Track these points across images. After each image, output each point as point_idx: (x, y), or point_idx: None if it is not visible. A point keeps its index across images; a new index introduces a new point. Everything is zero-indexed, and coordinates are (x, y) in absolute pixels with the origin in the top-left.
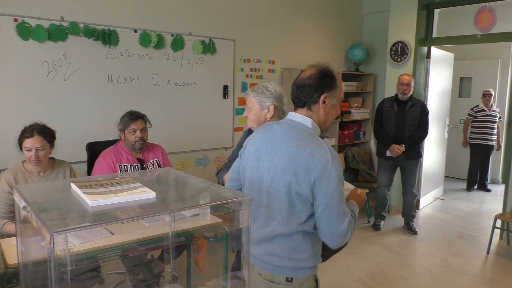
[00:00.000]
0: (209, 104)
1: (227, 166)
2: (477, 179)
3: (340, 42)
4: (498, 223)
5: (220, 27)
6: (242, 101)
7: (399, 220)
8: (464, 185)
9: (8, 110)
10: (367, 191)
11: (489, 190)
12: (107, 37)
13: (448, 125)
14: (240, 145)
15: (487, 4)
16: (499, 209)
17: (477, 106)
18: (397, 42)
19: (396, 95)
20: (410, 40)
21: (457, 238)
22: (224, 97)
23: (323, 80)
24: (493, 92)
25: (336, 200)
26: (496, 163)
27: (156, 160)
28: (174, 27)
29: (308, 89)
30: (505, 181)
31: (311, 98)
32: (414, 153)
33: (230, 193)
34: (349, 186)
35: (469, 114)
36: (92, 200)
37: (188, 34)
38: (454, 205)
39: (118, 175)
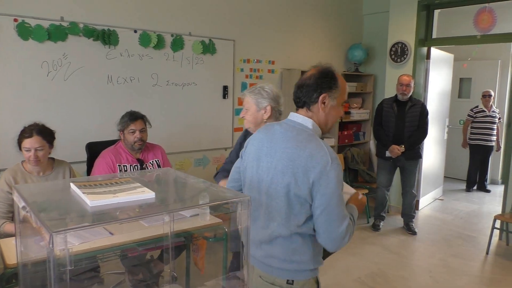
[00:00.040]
0: (208, 105)
1: (224, 169)
2: (476, 179)
3: (340, 42)
4: (498, 224)
5: (220, 27)
6: (242, 102)
7: (399, 220)
8: (463, 186)
9: (8, 110)
10: (367, 191)
11: (488, 191)
12: (107, 37)
13: (447, 126)
14: (237, 147)
15: (486, 5)
16: (499, 210)
17: (477, 106)
18: (397, 43)
19: (396, 95)
20: (410, 40)
21: (456, 239)
22: (224, 97)
23: (322, 80)
24: (492, 93)
25: (335, 202)
26: (496, 164)
27: (155, 160)
28: (174, 27)
29: (307, 89)
30: (505, 181)
31: (310, 98)
32: (414, 154)
33: (229, 193)
34: (350, 190)
35: (468, 115)
36: (92, 200)
37: (188, 34)
38: (453, 205)
39: (117, 175)
